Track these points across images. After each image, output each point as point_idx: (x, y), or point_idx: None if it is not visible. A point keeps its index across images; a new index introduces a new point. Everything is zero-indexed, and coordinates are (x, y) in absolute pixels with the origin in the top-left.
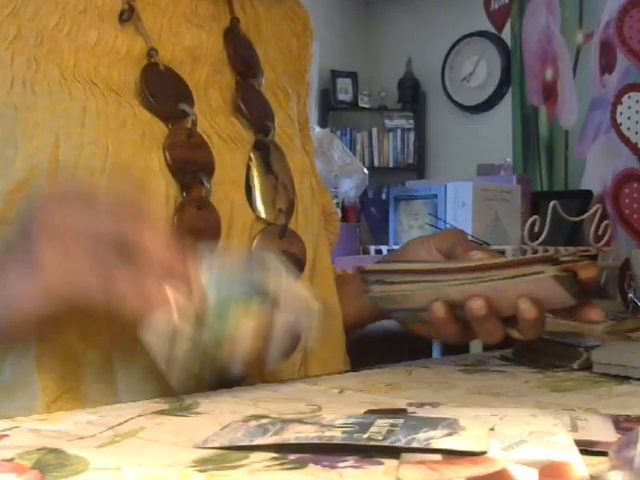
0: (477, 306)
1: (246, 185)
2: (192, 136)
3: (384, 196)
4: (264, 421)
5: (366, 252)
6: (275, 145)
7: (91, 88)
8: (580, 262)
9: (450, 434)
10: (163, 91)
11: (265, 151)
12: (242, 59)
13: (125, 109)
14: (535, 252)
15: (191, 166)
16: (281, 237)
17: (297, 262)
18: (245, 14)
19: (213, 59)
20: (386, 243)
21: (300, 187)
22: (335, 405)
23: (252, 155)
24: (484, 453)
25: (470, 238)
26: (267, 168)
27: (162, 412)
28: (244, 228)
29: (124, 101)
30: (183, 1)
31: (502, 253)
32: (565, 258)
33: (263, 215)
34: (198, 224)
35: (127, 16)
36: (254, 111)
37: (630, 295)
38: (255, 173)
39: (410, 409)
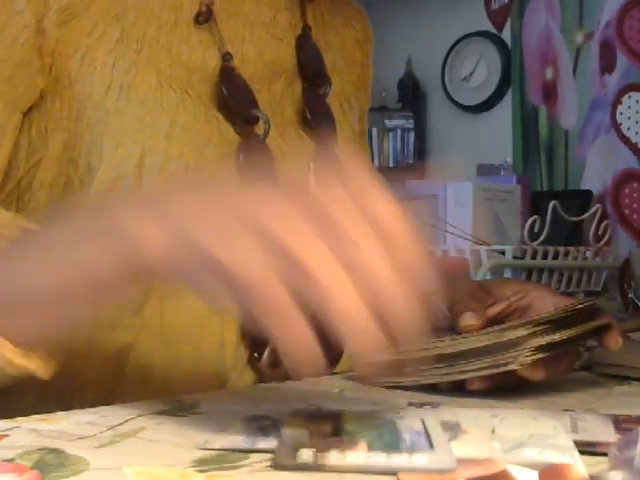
0: None
1: None
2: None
3: None
4: (264, 421)
5: None
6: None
7: (183, 99)
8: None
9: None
10: (238, 96)
11: None
12: (311, 67)
13: (211, 125)
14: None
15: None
16: None
17: None
18: (315, 22)
19: (287, 72)
20: None
21: None
22: (335, 405)
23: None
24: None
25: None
26: None
27: (162, 412)
28: None
29: (211, 115)
30: (264, 10)
31: (502, 254)
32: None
33: None
34: None
35: (203, 18)
36: (319, 122)
37: (630, 295)
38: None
39: (410, 409)
